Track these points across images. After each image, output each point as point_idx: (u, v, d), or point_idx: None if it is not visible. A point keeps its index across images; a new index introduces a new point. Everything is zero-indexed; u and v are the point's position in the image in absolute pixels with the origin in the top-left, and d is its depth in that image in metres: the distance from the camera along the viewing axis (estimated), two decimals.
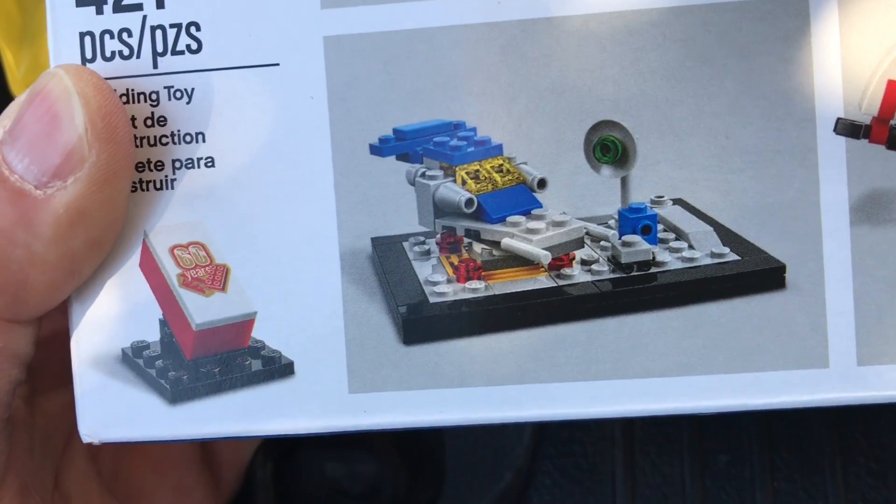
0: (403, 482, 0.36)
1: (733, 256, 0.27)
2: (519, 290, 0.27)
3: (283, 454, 0.36)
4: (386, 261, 0.27)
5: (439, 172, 0.28)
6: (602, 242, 0.27)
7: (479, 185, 0.27)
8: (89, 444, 0.30)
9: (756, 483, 0.34)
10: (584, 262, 0.27)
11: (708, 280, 0.27)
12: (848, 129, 0.26)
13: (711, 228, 0.27)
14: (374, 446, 0.36)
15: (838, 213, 0.26)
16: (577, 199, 0.27)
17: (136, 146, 0.26)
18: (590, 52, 0.26)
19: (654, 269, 0.27)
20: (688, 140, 0.26)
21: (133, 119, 0.27)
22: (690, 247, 0.27)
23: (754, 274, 0.26)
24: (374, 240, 0.27)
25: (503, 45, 0.26)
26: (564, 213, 0.27)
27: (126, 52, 0.27)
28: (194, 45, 0.27)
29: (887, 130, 0.25)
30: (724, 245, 0.27)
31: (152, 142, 0.27)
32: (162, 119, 0.27)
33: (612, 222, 0.27)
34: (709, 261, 0.27)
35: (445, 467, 0.36)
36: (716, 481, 0.35)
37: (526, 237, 0.27)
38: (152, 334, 0.27)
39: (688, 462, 0.35)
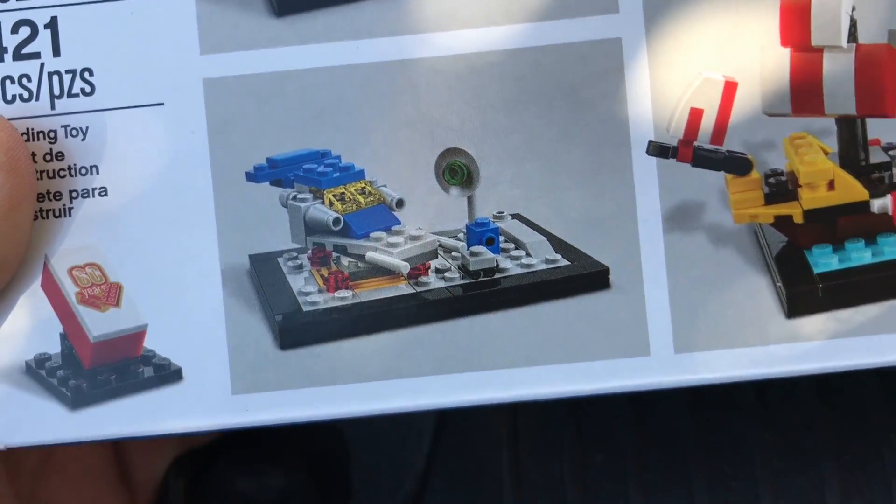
0: (312, 493, 0.36)
1: (564, 262, 0.28)
2: (382, 297, 0.28)
3: (195, 470, 0.36)
4: (263, 275, 0.28)
5: (309, 195, 0.29)
6: (453, 253, 0.29)
7: (344, 206, 0.29)
8: (5, 464, 0.31)
9: (629, 478, 0.35)
10: (438, 271, 0.29)
11: (543, 283, 0.28)
12: (658, 150, 0.28)
13: (545, 238, 0.28)
14: (282, 460, 0.36)
15: (653, 222, 0.28)
16: (431, 216, 0.28)
17: (38, 179, 0.28)
18: (438, 89, 0.28)
19: (497, 275, 0.29)
20: (524, 163, 0.28)
21: (33, 155, 0.28)
22: (528, 255, 0.29)
23: (583, 277, 0.28)
24: (251, 256, 0.28)
25: (362, 84, 0.28)
26: (420, 228, 0.28)
27: (26, 95, 0.28)
28: (88, 89, 0.28)
29: (691, 151, 0.27)
30: (556, 252, 0.29)
31: (51, 175, 0.28)
32: (60, 154, 0.28)
33: (460, 235, 0.29)
34: (544, 266, 0.29)
35: (352, 478, 0.37)
36: (594, 479, 0.35)
37: (387, 250, 0.29)
38: (54, 347, 0.28)
39: (568, 462, 0.36)
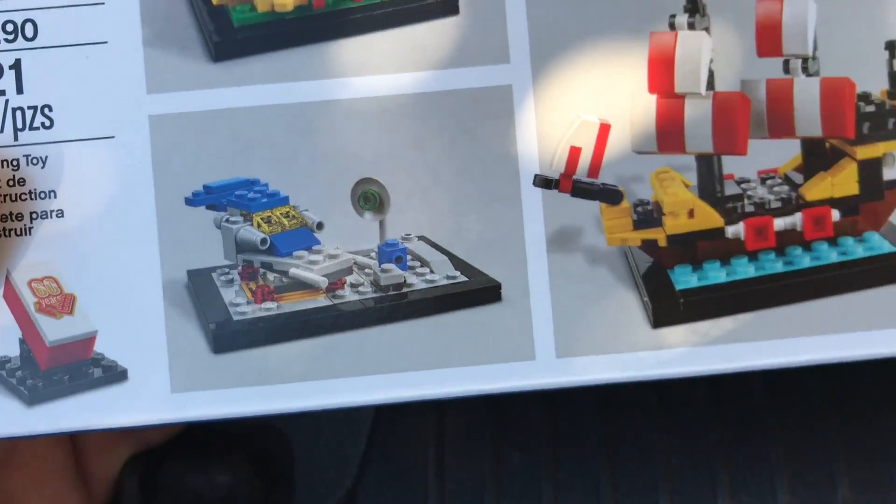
0: (257, 490, 0.37)
1: (463, 278, 0.29)
2: (303, 308, 0.29)
3: (148, 469, 0.37)
4: (199, 288, 0.29)
5: (240, 218, 0.29)
6: (366, 270, 0.29)
7: (271, 228, 0.30)
8: None
9: (542, 475, 0.36)
10: (353, 286, 0.29)
11: (445, 296, 0.29)
12: (543, 182, 0.29)
13: (447, 258, 0.29)
14: (230, 460, 0.37)
15: (538, 244, 0.29)
16: (347, 237, 0.29)
17: (2, 202, 0.29)
18: (354, 126, 0.29)
19: (405, 289, 0.29)
20: (429, 192, 0.29)
21: None
22: (431, 272, 0.29)
23: (478, 291, 0.29)
24: (189, 272, 0.29)
25: (288, 121, 0.29)
26: (337, 248, 0.29)
27: None
28: (48, 123, 0.29)
29: (571, 183, 0.29)
30: (456, 270, 0.29)
31: (14, 198, 0.29)
32: (22, 180, 0.29)
33: (373, 254, 0.29)
34: (445, 282, 0.29)
35: (295, 476, 0.37)
36: (510, 475, 0.37)
37: (308, 267, 0.29)
38: (13, 350, 0.29)
39: (487, 459, 0.37)
